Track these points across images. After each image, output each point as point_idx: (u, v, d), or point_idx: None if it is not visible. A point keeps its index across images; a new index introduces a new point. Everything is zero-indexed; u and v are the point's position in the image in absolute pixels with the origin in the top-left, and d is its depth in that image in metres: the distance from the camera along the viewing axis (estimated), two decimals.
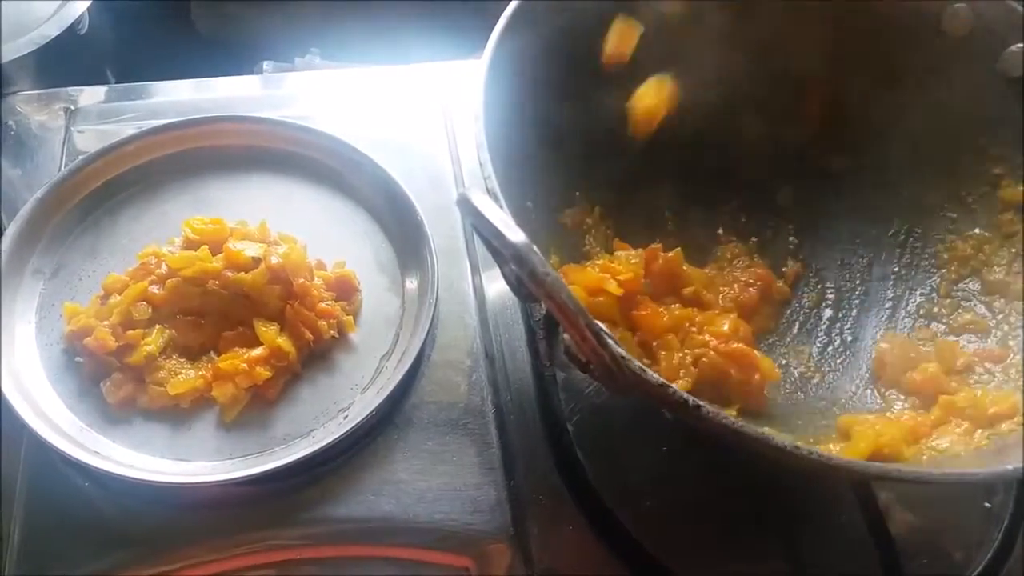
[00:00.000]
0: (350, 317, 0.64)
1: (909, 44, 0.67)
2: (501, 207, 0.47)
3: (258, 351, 0.60)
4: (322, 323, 0.62)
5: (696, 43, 0.68)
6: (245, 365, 0.59)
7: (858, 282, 0.70)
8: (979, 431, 0.55)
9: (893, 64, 0.68)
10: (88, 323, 0.60)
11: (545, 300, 0.39)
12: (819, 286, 0.71)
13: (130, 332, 0.60)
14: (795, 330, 0.69)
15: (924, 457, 0.54)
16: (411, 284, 0.67)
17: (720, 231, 0.73)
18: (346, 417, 0.60)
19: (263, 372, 0.59)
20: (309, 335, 0.62)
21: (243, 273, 0.62)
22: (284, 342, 0.61)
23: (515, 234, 0.38)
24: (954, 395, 0.58)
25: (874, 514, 0.58)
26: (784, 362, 0.67)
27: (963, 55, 0.65)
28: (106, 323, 0.60)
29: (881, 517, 0.58)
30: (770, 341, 0.68)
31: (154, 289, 0.62)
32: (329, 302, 0.64)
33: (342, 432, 0.57)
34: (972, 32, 0.64)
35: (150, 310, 0.61)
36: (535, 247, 0.39)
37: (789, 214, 0.73)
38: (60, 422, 0.58)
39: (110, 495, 0.57)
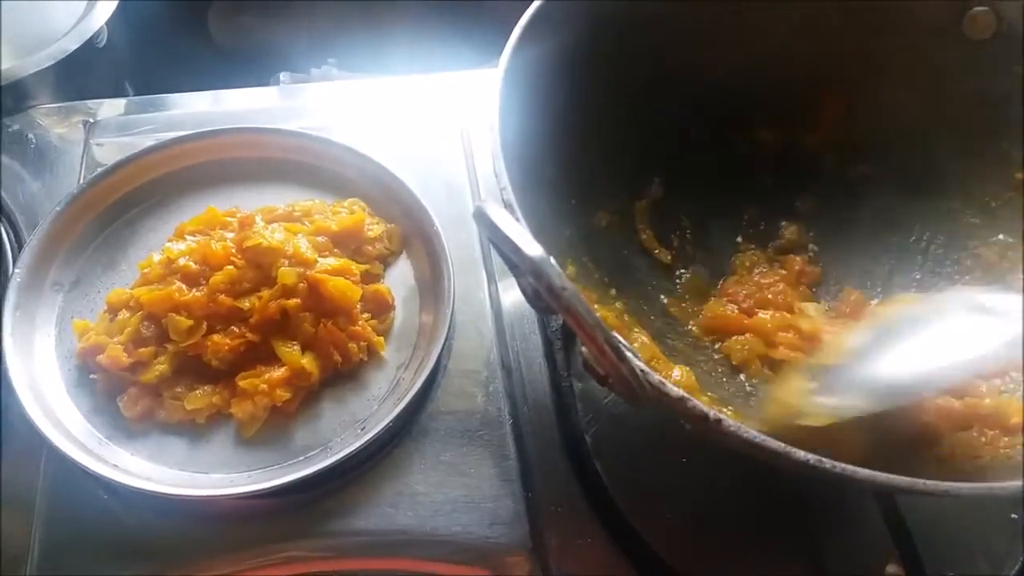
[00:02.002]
0: (381, 338, 0.64)
1: (929, 48, 0.66)
2: (517, 219, 0.47)
3: (280, 372, 0.60)
4: (352, 345, 0.62)
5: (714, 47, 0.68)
6: (265, 386, 0.59)
7: (879, 290, 0.69)
8: (1004, 439, 0.54)
9: (913, 68, 0.67)
10: (99, 340, 0.60)
11: (563, 313, 0.38)
12: (839, 294, 0.70)
13: (141, 349, 0.60)
14: None
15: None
16: (427, 294, 0.66)
17: (739, 239, 0.72)
18: (363, 429, 0.59)
19: (283, 394, 0.59)
20: (338, 357, 0.61)
21: (291, 300, 0.61)
22: (309, 363, 0.60)
23: (532, 248, 0.38)
24: (981, 399, 0.57)
25: (898, 525, 0.57)
26: None
27: (984, 58, 0.64)
28: (117, 339, 0.60)
29: (905, 528, 0.57)
30: None
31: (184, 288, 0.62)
32: (362, 323, 0.63)
33: (359, 444, 0.57)
34: (993, 35, 0.63)
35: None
36: (552, 260, 0.39)
37: (809, 221, 0.73)
38: (79, 434, 0.58)
39: (128, 507, 0.57)
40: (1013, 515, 0.62)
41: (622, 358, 0.39)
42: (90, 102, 0.79)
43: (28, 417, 0.56)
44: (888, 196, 0.70)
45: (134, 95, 0.88)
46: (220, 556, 0.56)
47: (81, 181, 0.71)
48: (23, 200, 0.72)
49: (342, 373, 0.62)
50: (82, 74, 0.80)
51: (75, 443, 0.57)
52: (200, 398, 0.59)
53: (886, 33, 0.67)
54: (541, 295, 0.38)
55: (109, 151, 0.75)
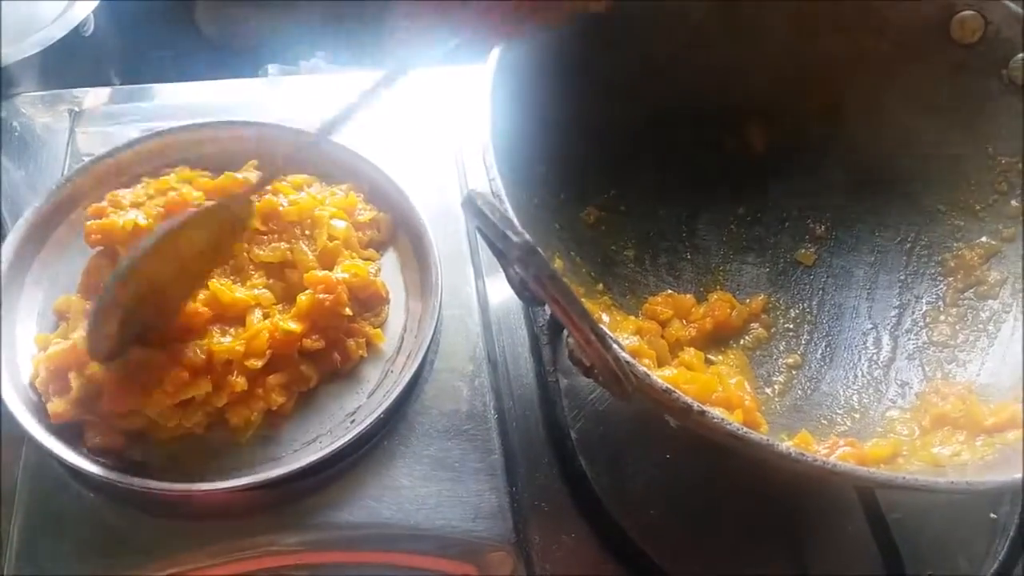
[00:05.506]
0: (379, 330, 0.63)
1: (917, 52, 0.67)
2: (505, 208, 0.47)
3: (278, 377, 0.59)
4: (351, 343, 0.61)
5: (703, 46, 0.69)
6: (261, 390, 0.58)
7: (867, 289, 0.70)
8: (981, 438, 0.55)
9: (900, 71, 0.68)
10: (64, 361, 0.57)
11: (549, 302, 0.38)
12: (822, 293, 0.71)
13: None
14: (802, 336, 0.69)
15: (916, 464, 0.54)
16: (415, 289, 0.66)
17: (724, 237, 0.73)
18: (353, 422, 0.59)
19: (278, 398, 0.58)
20: (337, 357, 0.61)
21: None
22: (308, 368, 0.60)
23: (519, 235, 0.38)
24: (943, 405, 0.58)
25: (879, 524, 0.58)
26: (785, 365, 0.67)
27: (971, 62, 0.65)
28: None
29: (886, 527, 0.58)
30: (772, 344, 0.69)
31: None
32: (359, 320, 0.62)
33: (349, 437, 0.57)
34: (980, 40, 0.64)
35: None
36: (539, 249, 0.39)
37: (796, 221, 0.73)
38: (60, 427, 0.57)
39: (109, 500, 0.56)
40: (992, 514, 0.62)
41: (607, 348, 0.39)
42: (75, 91, 0.78)
43: (8, 410, 0.56)
44: (875, 197, 0.71)
45: (120, 84, 0.87)
46: (201, 548, 0.56)
47: (65, 170, 0.70)
48: (7, 189, 0.71)
49: (341, 372, 0.62)
50: (68, 62, 0.79)
51: (56, 436, 0.56)
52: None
53: (874, 35, 0.68)
54: (528, 284, 0.38)
55: (94, 140, 0.74)
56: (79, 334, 0.57)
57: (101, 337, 0.54)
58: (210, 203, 0.58)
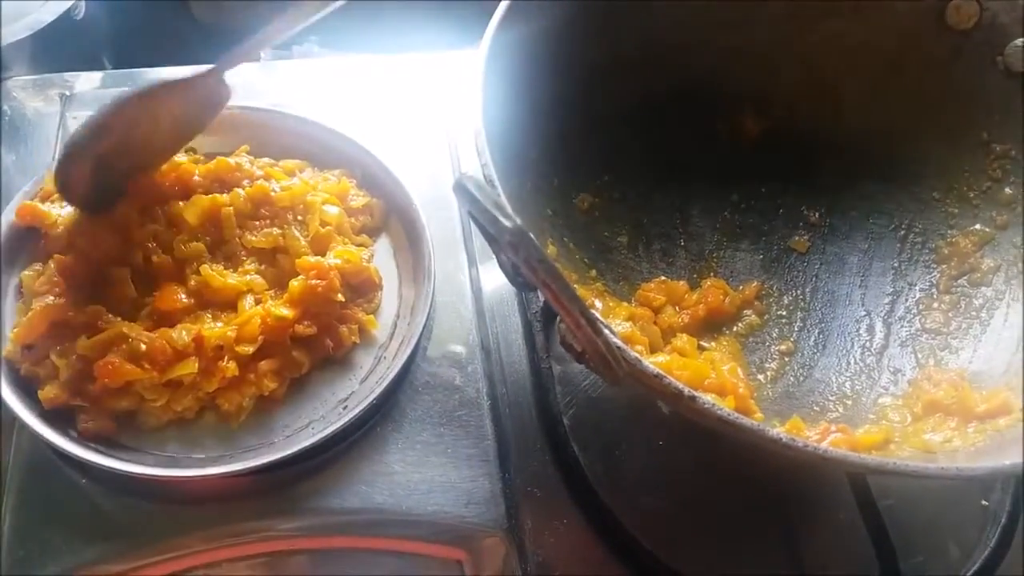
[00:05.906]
0: (371, 316, 0.63)
1: (912, 37, 0.66)
2: (498, 193, 0.47)
3: (269, 363, 0.58)
4: (344, 329, 0.61)
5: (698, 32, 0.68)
6: (252, 376, 0.58)
7: (859, 277, 0.70)
8: (972, 425, 0.55)
9: (896, 57, 0.68)
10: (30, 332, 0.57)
11: (540, 286, 0.38)
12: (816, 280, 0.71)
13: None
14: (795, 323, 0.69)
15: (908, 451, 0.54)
16: (408, 275, 0.66)
17: (718, 224, 0.73)
18: (345, 408, 0.59)
19: (270, 384, 0.58)
20: (330, 342, 0.61)
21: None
22: (300, 355, 0.60)
23: (510, 220, 0.38)
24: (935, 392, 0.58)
25: (870, 510, 0.58)
26: (778, 352, 0.67)
27: (966, 49, 0.65)
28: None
29: (877, 513, 0.58)
30: (765, 331, 0.69)
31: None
32: (351, 306, 0.62)
33: (342, 423, 0.56)
34: (976, 26, 0.64)
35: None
36: (531, 234, 0.39)
37: (791, 208, 0.73)
38: (53, 412, 0.57)
39: (102, 486, 0.56)
40: (984, 502, 0.62)
41: (598, 332, 0.39)
42: (67, 75, 0.77)
43: (1, 396, 0.55)
44: (869, 184, 0.71)
45: (112, 69, 0.87)
46: (194, 534, 0.55)
47: (56, 155, 0.69)
48: None
49: (334, 358, 0.62)
50: (59, 46, 0.79)
51: (48, 422, 0.56)
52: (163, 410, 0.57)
53: (869, 21, 0.67)
54: (519, 269, 0.38)
55: None
56: (38, 303, 0.57)
57: (70, 179, 0.59)
58: (186, 75, 0.61)
